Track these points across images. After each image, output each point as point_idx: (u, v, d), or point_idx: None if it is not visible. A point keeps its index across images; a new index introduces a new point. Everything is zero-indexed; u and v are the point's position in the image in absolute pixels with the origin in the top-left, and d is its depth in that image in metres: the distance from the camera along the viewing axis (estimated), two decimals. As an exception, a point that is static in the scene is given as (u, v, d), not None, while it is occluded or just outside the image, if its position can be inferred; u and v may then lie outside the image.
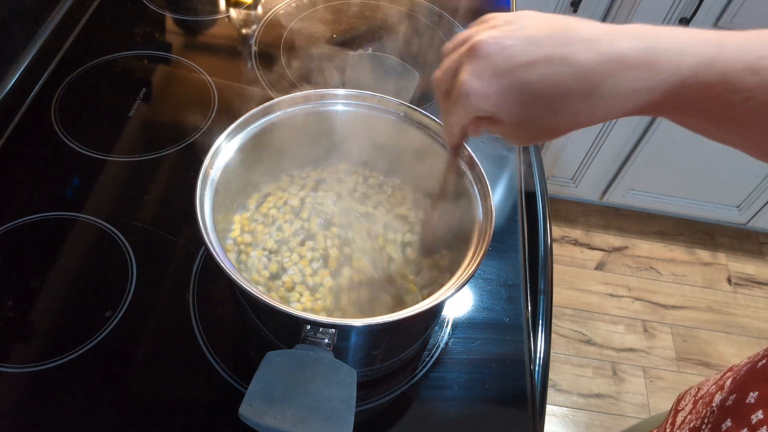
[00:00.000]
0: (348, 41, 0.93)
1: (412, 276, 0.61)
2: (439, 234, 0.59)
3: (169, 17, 0.95)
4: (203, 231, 0.49)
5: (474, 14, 1.01)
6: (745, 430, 0.49)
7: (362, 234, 0.63)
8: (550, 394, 1.55)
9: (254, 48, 0.91)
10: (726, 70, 0.37)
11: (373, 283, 0.60)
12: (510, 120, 0.41)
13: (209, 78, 0.86)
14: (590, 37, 0.38)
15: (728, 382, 0.58)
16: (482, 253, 0.50)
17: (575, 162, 1.70)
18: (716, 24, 1.31)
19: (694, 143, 1.58)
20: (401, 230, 0.64)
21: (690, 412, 0.62)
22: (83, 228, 0.68)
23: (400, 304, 0.59)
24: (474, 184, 0.56)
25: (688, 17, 1.29)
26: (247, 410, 0.41)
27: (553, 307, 0.76)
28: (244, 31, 0.95)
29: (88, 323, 0.61)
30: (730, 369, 0.61)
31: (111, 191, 0.72)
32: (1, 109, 0.77)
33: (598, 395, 1.57)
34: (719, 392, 0.58)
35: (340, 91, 0.61)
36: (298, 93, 0.60)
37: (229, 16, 0.96)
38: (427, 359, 0.62)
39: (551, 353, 0.73)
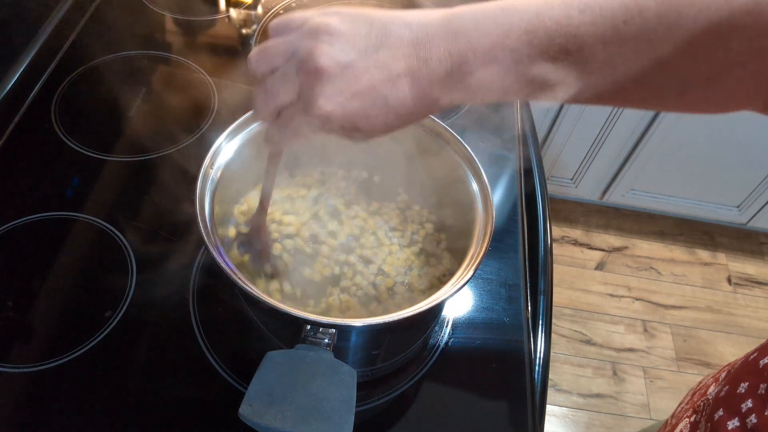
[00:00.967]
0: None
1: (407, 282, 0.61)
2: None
3: (169, 17, 0.95)
4: (203, 231, 0.49)
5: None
6: (736, 418, 0.50)
7: (361, 238, 0.63)
8: (550, 394, 1.55)
9: (254, 48, 0.91)
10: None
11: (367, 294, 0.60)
12: (364, 126, 0.39)
13: (209, 78, 0.86)
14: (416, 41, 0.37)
15: (723, 375, 0.58)
16: (482, 253, 0.50)
17: (575, 162, 1.70)
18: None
19: (694, 143, 1.58)
20: (397, 236, 0.64)
21: (687, 402, 0.62)
22: (83, 228, 0.68)
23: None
24: (474, 184, 0.56)
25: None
26: (247, 410, 0.41)
27: (553, 307, 0.76)
28: (244, 31, 0.95)
29: (88, 323, 0.61)
30: (729, 365, 0.62)
31: (111, 191, 0.72)
32: (2, 109, 0.77)
33: (598, 395, 1.57)
34: (714, 384, 0.59)
35: (340, 91, 0.61)
36: (298, 93, 0.60)
37: (229, 16, 0.96)
38: (427, 359, 0.62)
39: (551, 353, 0.73)
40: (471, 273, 0.48)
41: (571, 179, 1.77)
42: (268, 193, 0.54)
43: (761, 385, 0.50)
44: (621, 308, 1.74)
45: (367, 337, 0.54)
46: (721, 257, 1.89)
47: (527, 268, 0.72)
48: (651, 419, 1.54)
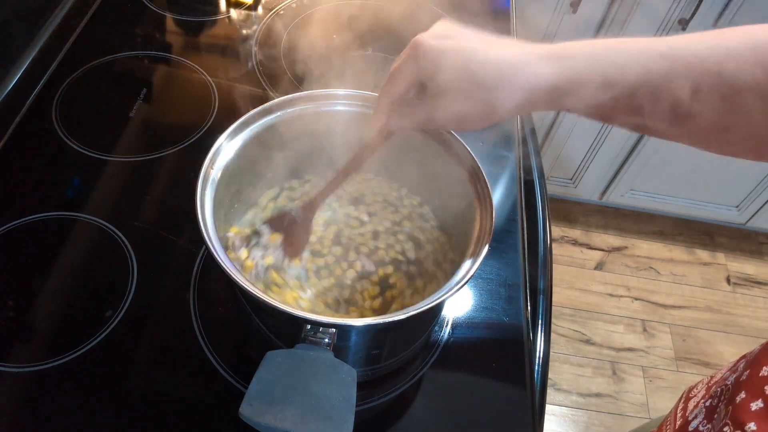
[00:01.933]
0: (348, 41, 0.93)
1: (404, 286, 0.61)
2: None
3: (169, 17, 0.95)
4: (203, 231, 0.49)
5: (474, 14, 1.01)
6: (759, 400, 0.51)
7: (363, 237, 0.63)
8: (550, 393, 1.55)
9: (254, 48, 0.91)
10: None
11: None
12: (445, 87, 0.43)
13: (209, 78, 0.86)
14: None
15: (742, 365, 0.59)
16: (482, 253, 0.50)
17: (575, 162, 1.71)
18: (716, 24, 1.31)
19: (693, 143, 1.58)
20: (398, 238, 0.64)
21: (703, 397, 0.63)
22: (83, 228, 0.68)
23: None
24: (474, 184, 0.56)
25: (688, 18, 1.30)
26: (247, 410, 0.41)
27: (553, 307, 0.76)
28: (244, 31, 0.95)
29: (88, 323, 0.61)
30: (743, 357, 0.62)
31: (111, 191, 0.72)
32: (3, 109, 0.77)
33: (597, 395, 1.57)
34: (732, 374, 0.59)
35: (340, 91, 0.61)
36: (298, 93, 0.60)
37: (229, 17, 0.96)
38: (427, 359, 0.62)
39: (551, 353, 0.73)
40: (471, 273, 0.48)
41: (571, 179, 1.77)
42: (352, 170, 0.54)
43: None
44: (620, 308, 1.75)
45: (367, 337, 0.54)
46: (721, 257, 1.89)
47: (527, 268, 0.72)
48: (650, 418, 1.54)
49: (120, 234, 0.68)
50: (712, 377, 0.67)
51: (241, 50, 0.91)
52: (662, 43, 0.40)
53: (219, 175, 0.55)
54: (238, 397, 0.41)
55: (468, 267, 0.49)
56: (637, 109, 0.41)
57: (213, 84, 0.85)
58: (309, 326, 0.45)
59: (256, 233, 0.58)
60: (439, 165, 0.60)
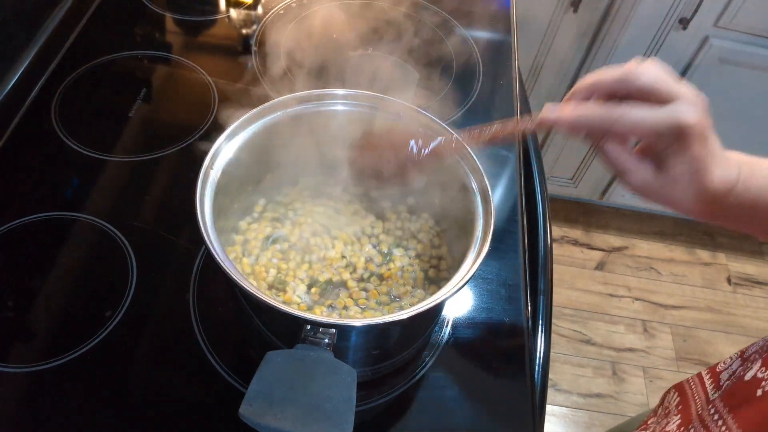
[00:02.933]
0: (348, 41, 0.93)
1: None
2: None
3: (169, 17, 0.95)
4: (203, 231, 0.49)
5: (474, 14, 1.01)
6: None
7: (361, 239, 0.63)
8: (550, 394, 1.55)
9: (254, 48, 0.91)
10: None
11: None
12: (680, 171, 0.44)
13: (209, 78, 0.86)
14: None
15: (752, 348, 0.59)
16: (482, 253, 0.50)
17: (575, 162, 1.70)
18: (716, 24, 1.31)
19: (694, 143, 1.58)
20: (398, 236, 0.64)
21: (711, 379, 0.62)
22: (83, 228, 0.68)
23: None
24: (474, 184, 0.56)
25: (688, 17, 1.30)
26: (247, 410, 0.41)
27: (553, 307, 0.76)
28: (244, 31, 0.95)
29: (88, 323, 0.61)
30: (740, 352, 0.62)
31: (111, 191, 0.72)
32: (2, 109, 0.77)
33: (598, 395, 1.57)
34: (739, 358, 0.59)
35: (340, 91, 0.61)
36: (298, 93, 0.60)
37: (229, 17, 0.96)
38: (427, 359, 0.62)
39: (551, 353, 0.73)
40: (471, 273, 0.48)
41: (571, 179, 1.77)
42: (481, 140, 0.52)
43: None
44: (621, 308, 1.74)
45: (367, 337, 0.54)
46: (721, 257, 1.89)
47: (527, 268, 0.72)
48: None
49: (120, 234, 0.68)
50: (714, 367, 0.67)
51: (241, 50, 0.91)
52: None
53: (219, 175, 0.55)
54: (238, 397, 0.41)
55: (468, 267, 0.49)
56: None
57: (213, 84, 0.85)
58: (309, 326, 0.45)
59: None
60: (439, 165, 0.60)
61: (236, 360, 0.60)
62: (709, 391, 0.62)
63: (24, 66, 0.81)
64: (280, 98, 0.59)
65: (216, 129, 0.79)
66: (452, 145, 0.55)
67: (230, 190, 0.58)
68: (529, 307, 0.68)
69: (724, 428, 0.53)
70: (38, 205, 0.69)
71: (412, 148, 0.55)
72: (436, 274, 0.62)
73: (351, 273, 0.60)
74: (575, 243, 1.87)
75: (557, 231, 1.88)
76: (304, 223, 0.63)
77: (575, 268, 1.82)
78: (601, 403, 1.56)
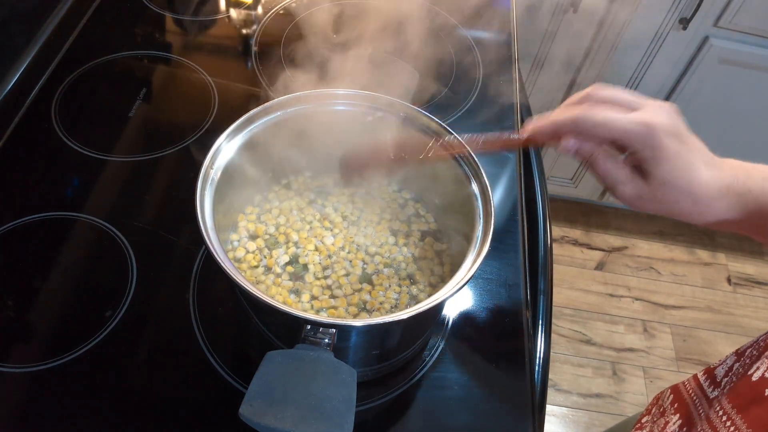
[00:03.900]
0: (348, 41, 0.93)
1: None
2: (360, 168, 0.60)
3: (169, 17, 0.95)
4: (203, 231, 0.49)
5: (474, 14, 1.01)
6: None
7: (362, 237, 0.63)
8: (550, 394, 1.55)
9: (254, 48, 0.91)
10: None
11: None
12: (662, 181, 0.45)
13: (209, 78, 0.86)
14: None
15: (747, 344, 0.59)
16: (482, 253, 0.50)
17: (575, 162, 1.70)
18: (716, 24, 1.31)
19: (694, 143, 1.58)
20: (398, 236, 0.64)
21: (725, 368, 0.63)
22: (83, 228, 0.68)
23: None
24: (474, 184, 0.56)
25: (688, 17, 1.30)
26: (247, 410, 0.41)
27: (553, 307, 0.76)
28: (244, 31, 0.95)
29: (88, 323, 0.61)
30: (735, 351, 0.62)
31: (111, 191, 0.72)
32: (2, 109, 0.77)
33: (598, 395, 1.57)
34: (734, 355, 0.59)
35: (340, 91, 0.61)
36: (298, 93, 0.60)
37: (229, 16, 0.96)
38: (427, 359, 0.62)
39: (551, 353, 0.73)
40: (471, 273, 0.48)
41: (571, 179, 1.77)
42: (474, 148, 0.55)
43: None
44: (621, 308, 1.74)
45: (367, 337, 0.54)
46: (721, 257, 1.89)
47: (527, 268, 0.72)
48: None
49: (120, 234, 0.68)
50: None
51: (241, 50, 0.91)
52: None
53: (219, 175, 0.55)
54: (238, 397, 0.41)
55: (468, 267, 0.49)
56: None
57: (213, 84, 0.85)
58: (309, 326, 0.45)
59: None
60: (440, 165, 0.60)
61: (236, 360, 0.60)
62: (706, 388, 0.62)
63: (24, 66, 0.81)
64: (280, 98, 0.59)
65: (216, 129, 0.79)
66: (448, 146, 0.56)
67: (230, 190, 0.58)
68: (529, 307, 0.68)
69: (732, 428, 0.53)
70: (38, 205, 0.69)
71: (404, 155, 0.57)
72: (436, 274, 0.62)
73: (347, 276, 0.60)
74: (575, 243, 1.87)
75: (557, 231, 1.88)
76: (304, 223, 0.63)
77: (575, 268, 1.82)
78: (601, 403, 1.56)
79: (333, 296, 0.58)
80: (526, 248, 0.73)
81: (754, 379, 0.53)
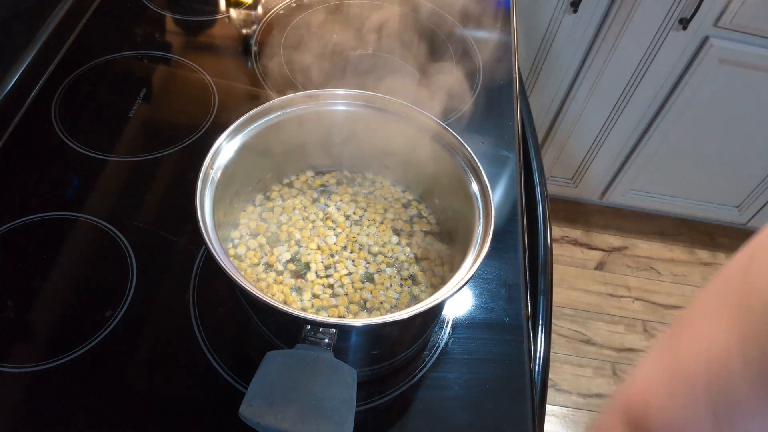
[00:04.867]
0: (348, 41, 0.93)
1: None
2: None
3: (169, 17, 0.95)
4: (203, 231, 0.49)
5: (474, 14, 1.01)
6: None
7: (362, 237, 0.63)
8: (550, 394, 1.55)
9: (254, 48, 0.91)
10: None
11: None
12: None
13: (209, 78, 0.86)
14: None
15: None
16: (482, 253, 0.50)
17: (575, 162, 1.70)
18: (716, 24, 1.31)
19: (694, 143, 1.58)
20: (398, 237, 0.64)
21: None
22: (83, 228, 0.68)
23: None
24: (474, 184, 0.56)
25: (688, 17, 1.30)
26: (247, 410, 0.41)
27: (553, 307, 0.76)
28: (244, 31, 0.95)
29: (88, 323, 0.61)
30: None
31: (111, 191, 0.72)
32: (2, 109, 0.77)
33: (598, 395, 1.57)
34: None
35: (340, 91, 0.61)
36: (298, 93, 0.60)
37: (229, 16, 0.96)
38: (427, 359, 0.62)
39: (551, 353, 0.73)
40: (471, 273, 0.48)
41: (572, 179, 1.77)
42: None
43: None
44: (621, 308, 1.74)
45: (367, 337, 0.54)
46: (721, 257, 1.89)
47: (527, 268, 0.72)
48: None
49: (120, 234, 0.68)
50: None
51: (241, 50, 0.91)
52: None
53: (219, 175, 0.55)
54: (238, 397, 0.41)
55: (468, 267, 0.49)
56: None
57: (213, 84, 0.85)
58: (309, 326, 0.45)
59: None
60: (440, 165, 0.60)
61: (236, 360, 0.60)
62: None
63: (24, 66, 0.81)
64: (280, 98, 0.59)
65: (216, 129, 0.79)
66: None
67: (230, 190, 0.58)
68: (529, 307, 0.68)
69: None
70: (38, 205, 0.69)
71: None
72: (436, 274, 0.62)
73: (349, 275, 0.60)
74: (575, 243, 1.87)
75: (557, 231, 1.88)
76: (306, 221, 0.63)
77: (575, 268, 1.82)
78: (601, 403, 1.56)
79: (334, 295, 0.58)
80: (526, 248, 0.73)
81: None
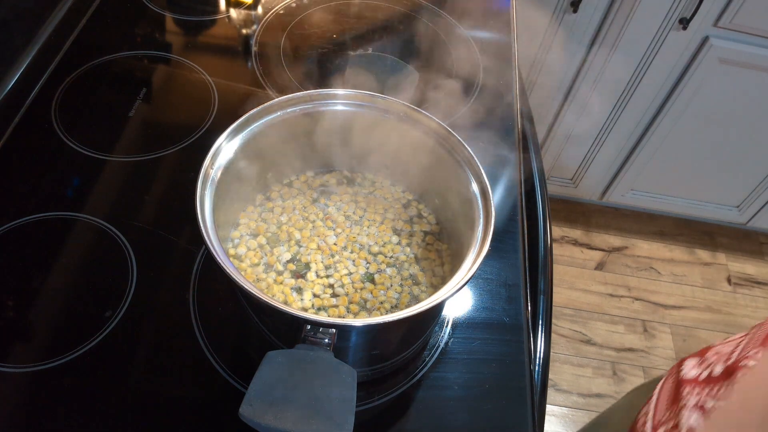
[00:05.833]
0: (348, 41, 0.93)
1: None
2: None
3: (169, 17, 0.95)
4: (203, 231, 0.49)
5: (474, 14, 1.01)
6: None
7: (362, 237, 0.63)
8: (550, 394, 1.55)
9: (254, 48, 0.91)
10: None
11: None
12: None
13: (209, 78, 0.86)
14: None
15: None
16: (482, 253, 0.50)
17: (575, 162, 1.71)
18: (716, 24, 1.31)
19: (694, 143, 1.58)
20: (398, 237, 0.64)
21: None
22: (83, 228, 0.68)
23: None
24: (474, 184, 0.56)
25: (688, 17, 1.30)
26: (247, 410, 0.41)
27: (553, 307, 0.76)
28: (244, 31, 0.95)
29: (88, 323, 0.61)
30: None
31: (111, 191, 0.72)
32: (2, 109, 0.77)
33: (598, 395, 1.57)
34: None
35: (340, 91, 0.61)
36: (298, 93, 0.60)
37: (229, 16, 0.96)
38: (427, 359, 0.62)
39: (551, 353, 0.73)
40: (471, 273, 0.48)
41: (571, 179, 1.77)
42: None
43: None
44: (621, 308, 1.74)
45: (367, 337, 0.54)
46: (721, 257, 1.89)
47: (527, 268, 0.72)
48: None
49: (120, 234, 0.68)
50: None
51: (241, 50, 0.91)
52: None
53: (219, 175, 0.55)
54: (238, 397, 0.41)
55: (468, 267, 0.49)
56: None
57: (213, 84, 0.85)
58: (309, 326, 0.45)
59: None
60: (440, 165, 0.60)
61: (236, 360, 0.60)
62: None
63: (24, 66, 0.81)
64: (280, 98, 0.59)
65: (216, 129, 0.79)
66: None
67: (230, 190, 0.58)
68: (529, 307, 0.68)
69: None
70: (38, 205, 0.69)
71: None
72: (436, 274, 0.62)
73: (349, 275, 0.60)
74: (575, 243, 1.87)
75: (557, 231, 1.88)
76: (306, 222, 0.63)
77: (575, 268, 1.82)
78: (601, 403, 1.56)
79: (335, 295, 0.58)
80: (526, 248, 0.73)
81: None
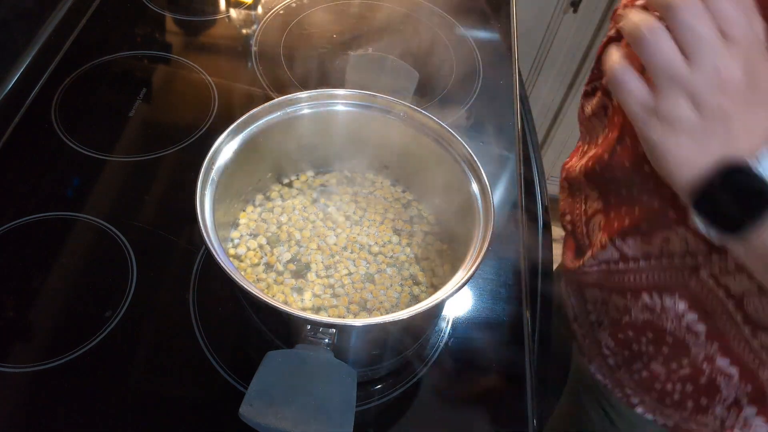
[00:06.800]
0: (348, 41, 0.93)
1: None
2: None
3: (169, 17, 0.95)
4: (203, 231, 0.49)
5: (474, 14, 1.01)
6: None
7: (362, 237, 0.63)
8: (550, 394, 1.54)
9: (254, 48, 0.91)
10: None
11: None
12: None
13: (209, 78, 0.86)
14: None
15: None
16: (482, 253, 0.50)
17: (575, 162, 1.70)
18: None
19: (694, 143, 1.58)
20: (398, 237, 0.64)
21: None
22: (83, 228, 0.68)
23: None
24: (474, 184, 0.56)
25: (688, 17, 1.29)
26: (247, 410, 0.41)
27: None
28: (244, 31, 0.95)
29: (88, 323, 0.61)
30: None
31: (111, 191, 0.72)
32: (2, 109, 0.77)
33: (598, 395, 1.57)
34: None
35: (340, 91, 0.61)
36: (298, 93, 0.60)
37: (229, 16, 0.96)
38: (427, 359, 0.62)
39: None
40: (471, 273, 0.48)
41: (571, 179, 1.77)
42: None
43: None
44: (621, 308, 1.74)
45: (367, 337, 0.54)
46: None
47: (527, 268, 0.72)
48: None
49: (120, 234, 0.68)
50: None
51: (241, 50, 0.91)
52: None
53: (219, 175, 0.55)
54: (238, 398, 0.41)
55: (468, 267, 0.49)
56: None
57: (213, 84, 0.85)
58: (309, 326, 0.45)
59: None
60: (440, 165, 0.60)
61: (236, 360, 0.60)
62: None
63: (24, 66, 0.81)
64: (281, 98, 0.59)
65: (216, 129, 0.79)
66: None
67: (230, 190, 0.58)
68: (529, 307, 0.68)
69: None
70: (38, 205, 0.69)
71: None
72: (436, 274, 0.62)
73: (349, 275, 0.60)
74: (575, 243, 1.87)
75: (558, 231, 1.88)
76: (306, 222, 0.63)
77: (575, 268, 1.82)
78: (601, 403, 1.56)
79: (335, 295, 0.58)
80: (527, 248, 0.73)
81: None
